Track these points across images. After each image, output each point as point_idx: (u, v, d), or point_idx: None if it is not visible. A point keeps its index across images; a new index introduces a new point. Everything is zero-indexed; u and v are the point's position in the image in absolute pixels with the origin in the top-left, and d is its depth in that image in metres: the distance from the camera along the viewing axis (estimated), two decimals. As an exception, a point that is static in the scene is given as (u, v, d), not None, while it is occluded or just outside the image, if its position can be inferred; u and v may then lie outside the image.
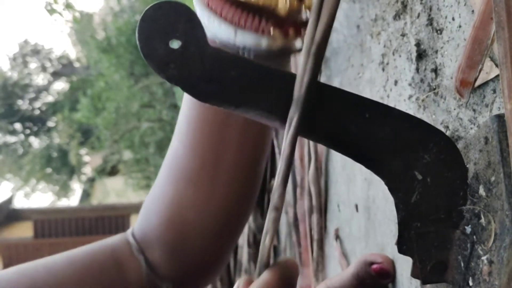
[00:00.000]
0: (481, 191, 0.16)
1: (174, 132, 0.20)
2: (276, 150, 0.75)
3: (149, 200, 0.22)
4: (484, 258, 0.16)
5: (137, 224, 0.23)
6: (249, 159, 0.19)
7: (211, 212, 0.19)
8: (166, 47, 0.16)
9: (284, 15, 0.16)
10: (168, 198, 0.20)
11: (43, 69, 7.69)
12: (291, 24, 0.16)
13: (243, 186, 0.19)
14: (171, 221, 0.20)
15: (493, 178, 0.16)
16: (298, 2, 0.16)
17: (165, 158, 0.21)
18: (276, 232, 0.15)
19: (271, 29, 0.16)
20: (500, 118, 0.16)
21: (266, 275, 0.13)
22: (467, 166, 0.17)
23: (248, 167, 0.19)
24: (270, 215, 0.15)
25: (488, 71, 0.18)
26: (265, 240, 0.14)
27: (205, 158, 0.19)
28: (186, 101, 0.19)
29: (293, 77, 0.17)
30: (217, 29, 0.17)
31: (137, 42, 0.16)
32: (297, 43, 0.17)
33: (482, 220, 0.16)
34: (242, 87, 0.16)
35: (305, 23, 0.16)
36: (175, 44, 0.16)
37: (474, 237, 0.16)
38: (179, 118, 0.20)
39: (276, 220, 0.15)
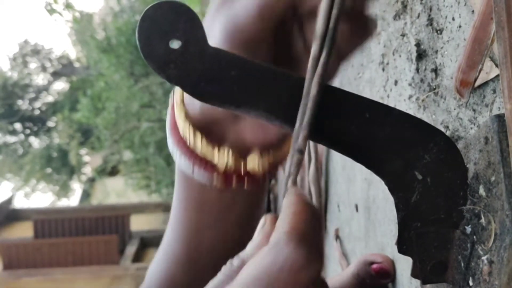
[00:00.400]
0: (481, 191, 0.16)
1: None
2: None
3: (150, 272, 0.23)
4: (484, 258, 0.16)
5: (144, 282, 0.24)
6: (229, 236, 0.19)
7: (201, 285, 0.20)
8: (166, 47, 0.16)
9: (222, 171, 0.17)
10: (162, 276, 0.22)
11: (43, 69, 7.69)
12: (234, 174, 0.16)
13: (226, 256, 0.20)
14: None
15: (493, 178, 0.16)
16: (237, 162, 0.16)
17: (163, 238, 0.22)
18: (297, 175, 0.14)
19: (215, 175, 0.16)
20: (500, 118, 0.16)
21: (287, 200, 0.12)
22: (467, 166, 0.17)
23: (228, 241, 0.19)
24: (293, 158, 0.14)
25: (488, 71, 0.18)
26: (288, 183, 0.13)
27: (187, 243, 0.20)
28: (174, 191, 0.20)
29: (293, 77, 0.17)
30: (179, 160, 0.17)
31: (137, 42, 0.16)
32: (254, 187, 0.17)
33: (482, 220, 0.16)
34: (243, 87, 0.16)
35: (249, 176, 0.16)
36: (175, 44, 0.16)
37: (474, 237, 0.16)
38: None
39: (299, 163, 0.14)
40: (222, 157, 0.16)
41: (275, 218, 0.13)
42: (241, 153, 0.16)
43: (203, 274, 0.19)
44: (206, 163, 0.17)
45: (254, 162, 0.16)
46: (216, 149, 0.17)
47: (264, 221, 0.14)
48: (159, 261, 0.22)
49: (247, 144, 0.17)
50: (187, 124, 0.17)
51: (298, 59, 0.17)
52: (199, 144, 0.16)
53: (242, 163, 0.17)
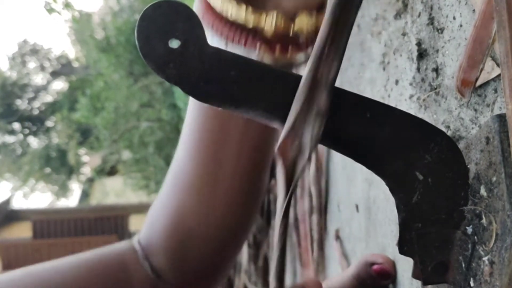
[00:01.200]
0: (482, 192, 0.16)
1: (179, 142, 0.21)
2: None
3: (154, 207, 0.23)
4: (485, 258, 0.16)
5: (142, 230, 0.24)
6: (249, 167, 0.19)
7: (213, 220, 0.20)
8: (165, 46, 0.16)
9: (270, 36, 0.16)
10: (171, 206, 0.21)
11: (42, 68, 7.67)
12: (279, 42, 0.16)
13: (245, 194, 0.20)
14: (173, 229, 0.21)
15: (494, 179, 0.16)
16: (286, 24, 0.16)
17: (170, 166, 0.21)
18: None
19: (258, 45, 0.16)
20: (501, 118, 0.16)
21: None
22: (468, 166, 0.17)
23: (248, 175, 0.19)
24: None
25: (490, 70, 0.18)
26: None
27: (205, 167, 0.19)
28: (189, 112, 0.20)
29: (293, 76, 0.17)
30: (210, 41, 0.17)
31: (136, 42, 0.16)
32: (296, 58, 0.16)
33: (483, 221, 0.16)
34: (242, 87, 0.16)
35: (294, 41, 0.16)
36: (175, 44, 0.16)
37: (475, 237, 0.16)
38: (183, 128, 0.20)
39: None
40: (270, 20, 0.15)
41: None
42: (287, 15, 0.15)
43: (219, 201, 0.18)
44: (247, 34, 0.16)
45: (303, 22, 0.15)
46: (263, 14, 0.15)
47: None
48: (166, 197, 0.21)
49: (292, 6, 0.15)
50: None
51: None
52: (243, 13, 0.15)
53: (292, 25, 0.15)
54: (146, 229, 0.23)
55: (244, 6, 0.16)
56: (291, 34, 0.16)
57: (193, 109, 0.19)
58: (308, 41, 0.16)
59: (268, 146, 0.19)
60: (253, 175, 0.19)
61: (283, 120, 0.16)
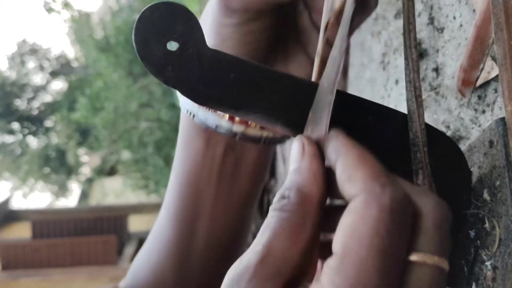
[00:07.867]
0: (486, 195, 0.16)
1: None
2: (278, 149, 0.75)
3: (138, 259, 0.23)
4: (488, 263, 0.16)
5: (127, 277, 0.24)
6: (223, 239, 0.20)
7: (190, 277, 0.21)
8: (163, 49, 0.16)
9: None
10: (152, 262, 0.22)
11: (41, 68, 7.65)
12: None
13: (219, 251, 0.20)
14: (154, 283, 0.21)
15: (498, 183, 0.15)
16: None
17: (154, 225, 0.22)
18: None
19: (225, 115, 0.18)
20: (505, 122, 0.15)
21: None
22: (471, 169, 0.17)
23: (223, 246, 0.20)
24: None
25: (489, 70, 0.17)
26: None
27: (181, 235, 0.20)
28: (170, 181, 0.21)
29: (293, 78, 0.16)
30: (205, 116, 0.18)
31: (134, 44, 0.16)
32: (260, 132, 0.18)
33: (486, 225, 0.16)
34: (242, 90, 0.16)
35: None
36: (173, 46, 0.16)
37: (478, 241, 0.16)
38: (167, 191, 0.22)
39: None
40: None
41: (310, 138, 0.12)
42: None
43: (192, 276, 0.19)
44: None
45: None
46: None
47: (301, 144, 0.12)
48: (148, 252, 0.22)
49: None
50: None
51: (305, 33, 0.17)
52: None
53: None
54: (130, 277, 0.24)
55: None
56: None
57: (170, 181, 0.20)
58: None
59: (243, 220, 0.20)
60: (228, 245, 0.20)
61: (284, 123, 0.16)
